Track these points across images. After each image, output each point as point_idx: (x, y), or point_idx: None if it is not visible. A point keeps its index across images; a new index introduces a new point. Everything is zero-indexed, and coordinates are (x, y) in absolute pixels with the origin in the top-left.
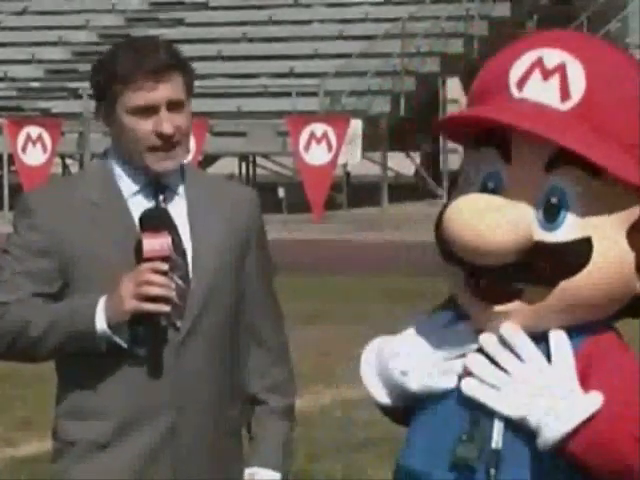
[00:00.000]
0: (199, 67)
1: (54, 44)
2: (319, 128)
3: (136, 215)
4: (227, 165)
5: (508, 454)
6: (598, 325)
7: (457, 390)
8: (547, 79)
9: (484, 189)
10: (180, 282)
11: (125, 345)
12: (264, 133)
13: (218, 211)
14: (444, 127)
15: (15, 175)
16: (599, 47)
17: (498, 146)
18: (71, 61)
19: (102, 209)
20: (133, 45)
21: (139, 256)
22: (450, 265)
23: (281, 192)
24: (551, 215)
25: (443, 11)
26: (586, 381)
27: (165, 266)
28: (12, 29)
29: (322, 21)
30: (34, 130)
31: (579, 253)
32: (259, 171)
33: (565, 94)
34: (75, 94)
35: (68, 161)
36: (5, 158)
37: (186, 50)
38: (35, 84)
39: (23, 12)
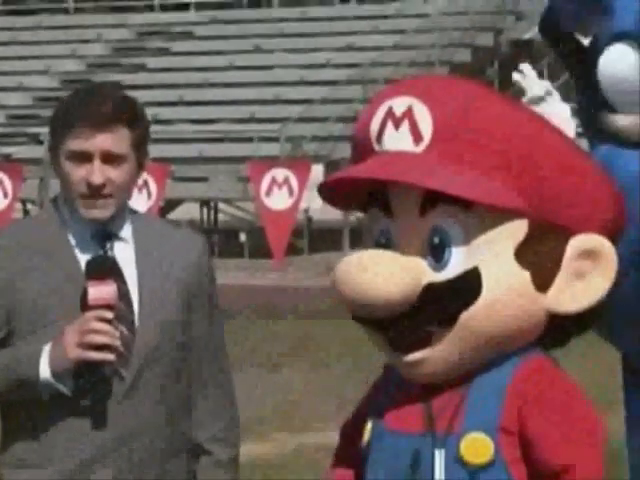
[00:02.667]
0: (160, 112)
1: (15, 89)
2: (280, 173)
3: (83, 263)
4: (188, 210)
5: None
6: (525, 354)
7: (399, 432)
8: (399, 127)
9: (377, 246)
10: (125, 331)
11: (68, 394)
12: (225, 178)
13: (166, 260)
14: (330, 197)
15: None
16: (443, 84)
17: (381, 204)
18: (32, 106)
19: (50, 257)
20: (85, 93)
21: (84, 304)
22: (359, 323)
23: (242, 237)
24: (438, 255)
25: (404, 57)
26: (524, 422)
27: (110, 314)
28: None
29: (284, 66)
30: None
31: (468, 284)
32: (221, 216)
33: (417, 137)
34: (36, 139)
35: (29, 206)
36: None
37: (147, 95)
38: None
39: None
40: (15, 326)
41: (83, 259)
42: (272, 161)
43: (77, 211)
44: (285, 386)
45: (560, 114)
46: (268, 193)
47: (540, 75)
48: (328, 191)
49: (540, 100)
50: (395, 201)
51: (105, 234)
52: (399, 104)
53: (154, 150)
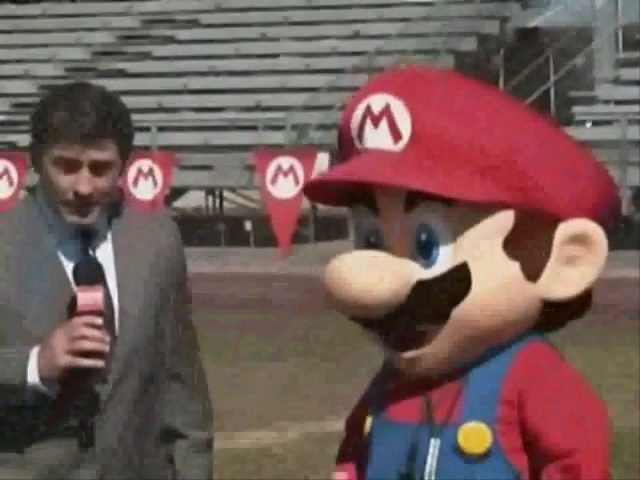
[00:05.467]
0: (166, 100)
1: (20, 77)
2: (286, 162)
3: (65, 261)
4: (194, 198)
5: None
6: (522, 341)
7: (397, 423)
8: (377, 125)
9: (368, 244)
10: (109, 336)
11: (54, 398)
12: (231, 167)
13: (143, 257)
14: (314, 195)
15: None
16: (421, 80)
17: (367, 202)
18: (37, 94)
19: (32, 260)
20: (70, 100)
21: (71, 310)
22: (355, 322)
23: (248, 225)
24: (426, 252)
25: (409, 45)
26: (521, 412)
27: (100, 320)
28: None
29: (289, 55)
30: (0, 164)
31: (458, 280)
32: (226, 205)
33: (396, 135)
34: None
35: None
36: None
37: (153, 84)
38: (1, 117)
39: None
40: None
41: (65, 258)
42: (277, 149)
43: (59, 212)
44: (288, 376)
45: None
46: (273, 181)
47: (546, 63)
48: (313, 192)
49: None
50: (381, 200)
51: (85, 234)
52: (377, 102)
53: (160, 138)
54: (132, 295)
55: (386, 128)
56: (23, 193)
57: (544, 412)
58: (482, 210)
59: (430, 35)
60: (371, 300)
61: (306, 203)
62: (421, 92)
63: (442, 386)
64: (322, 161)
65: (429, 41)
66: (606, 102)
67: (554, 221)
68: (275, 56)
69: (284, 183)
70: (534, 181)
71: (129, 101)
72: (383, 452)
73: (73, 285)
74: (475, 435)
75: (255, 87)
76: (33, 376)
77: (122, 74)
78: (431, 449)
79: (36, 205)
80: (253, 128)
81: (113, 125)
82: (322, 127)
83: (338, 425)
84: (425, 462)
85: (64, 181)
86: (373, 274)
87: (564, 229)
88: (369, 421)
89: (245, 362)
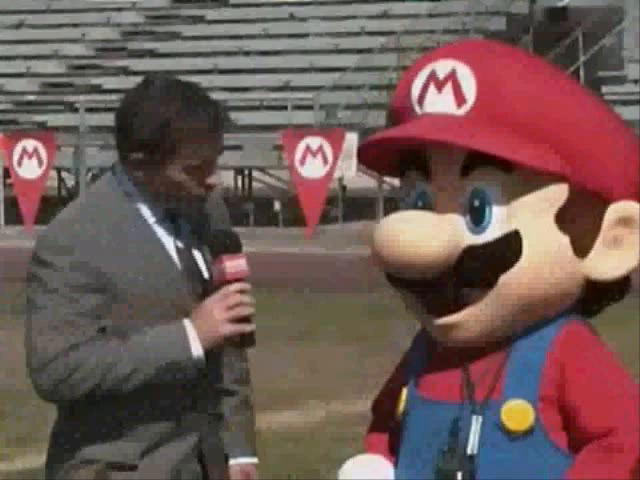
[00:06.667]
0: (194, 80)
1: (50, 57)
2: (314, 142)
3: (164, 240)
4: (223, 178)
5: (484, 459)
6: (564, 320)
7: (437, 402)
8: (441, 90)
9: (416, 209)
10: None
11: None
12: (260, 147)
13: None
14: (367, 159)
15: (10, 189)
16: (487, 48)
17: (419, 167)
18: (67, 74)
19: (134, 241)
20: (191, 100)
21: (219, 280)
22: (395, 287)
23: (277, 205)
24: (477, 218)
25: (439, 25)
26: (561, 391)
27: (248, 285)
28: (7, 43)
29: (318, 35)
30: (30, 144)
31: (509, 247)
32: (255, 185)
33: (460, 99)
34: (71, 107)
35: (64, 174)
36: (0, 172)
37: (181, 64)
38: (31, 97)
39: (19, 26)
40: (115, 313)
41: (162, 237)
42: (306, 129)
43: (163, 205)
44: (315, 355)
45: None
46: (302, 162)
47: (575, 42)
48: (366, 154)
49: None
50: (435, 163)
51: (174, 217)
52: (442, 67)
53: None
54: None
55: (451, 92)
56: (52, 173)
57: (584, 392)
58: (539, 180)
59: (459, 15)
60: (419, 257)
61: (334, 183)
62: (488, 60)
63: (482, 360)
64: (350, 141)
65: (458, 21)
66: (636, 82)
67: (604, 201)
68: (304, 36)
69: (312, 163)
70: (592, 157)
71: None
72: (422, 430)
73: (199, 258)
74: (518, 413)
75: (284, 67)
76: (197, 350)
77: (151, 54)
78: (473, 426)
79: (118, 193)
80: (282, 108)
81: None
82: (350, 107)
83: (365, 404)
84: (467, 439)
85: (193, 180)
86: (422, 227)
87: (614, 210)
88: (404, 399)
89: (273, 341)
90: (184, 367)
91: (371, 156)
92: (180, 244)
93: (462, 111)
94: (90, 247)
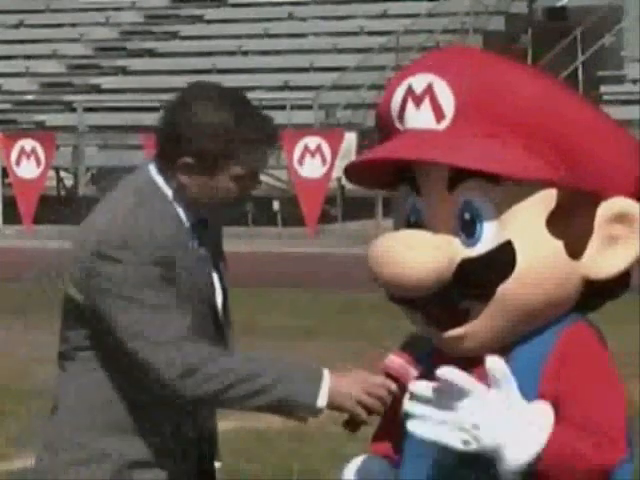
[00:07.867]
0: (193, 80)
1: (49, 57)
2: (313, 141)
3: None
4: None
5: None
6: (565, 321)
7: None
8: (419, 105)
9: (408, 224)
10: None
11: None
12: None
13: (217, 239)
14: (355, 179)
15: (9, 188)
16: (464, 59)
17: (409, 182)
18: (66, 74)
19: (181, 242)
20: (247, 111)
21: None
22: (397, 304)
23: (276, 205)
24: (469, 231)
25: (438, 25)
26: (558, 382)
27: (395, 387)
28: (7, 42)
29: (317, 34)
30: (28, 143)
31: (503, 258)
32: None
33: (439, 115)
34: (70, 107)
35: (62, 174)
36: None
37: (180, 63)
38: (30, 97)
39: (18, 25)
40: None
41: (194, 241)
42: (305, 129)
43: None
44: (317, 354)
45: None
46: (301, 161)
47: (574, 42)
48: (354, 174)
49: None
50: (422, 179)
51: (201, 224)
52: (419, 82)
53: None
54: (222, 273)
55: (429, 108)
56: (50, 173)
57: (572, 391)
58: (526, 188)
59: (458, 14)
60: (415, 279)
61: (333, 183)
62: (464, 71)
63: (484, 365)
64: (349, 141)
65: (457, 20)
66: (635, 81)
67: (596, 199)
68: (303, 35)
69: (311, 163)
70: (579, 159)
71: (157, 80)
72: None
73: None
74: None
75: (283, 66)
76: (322, 403)
77: (150, 54)
78: None
79: (162, 194)
80: (281, 108)
81: None
82: (350, 106)
83: None
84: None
85: (237, 187)
86: (416, 250)
87: (606, 208)
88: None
89: (274, 341)
90: (301, 408)
91: (359, 176)
92: (203, 251)
93: (442, 126)
94: (157, 244)
